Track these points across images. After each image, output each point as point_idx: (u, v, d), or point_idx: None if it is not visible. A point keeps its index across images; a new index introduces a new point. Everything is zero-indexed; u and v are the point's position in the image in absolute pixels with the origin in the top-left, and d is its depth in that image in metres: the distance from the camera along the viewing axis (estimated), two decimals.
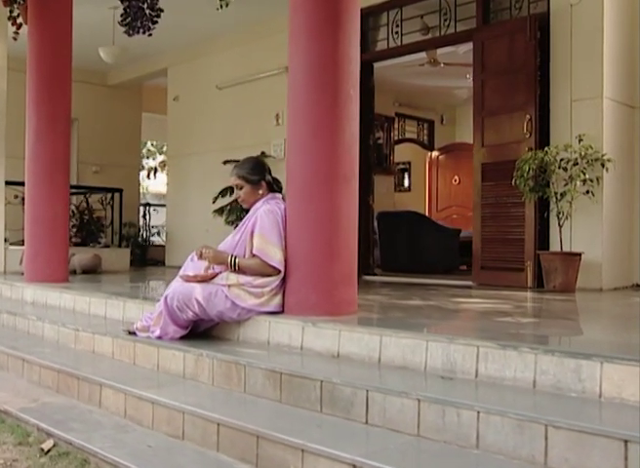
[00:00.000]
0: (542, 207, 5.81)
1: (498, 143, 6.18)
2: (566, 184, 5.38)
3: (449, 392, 2.54)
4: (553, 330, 3.27)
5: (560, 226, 5.40)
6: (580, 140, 5.40)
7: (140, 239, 9.99)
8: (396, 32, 7.30)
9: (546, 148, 5.38)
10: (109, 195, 8.84)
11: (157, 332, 3.67)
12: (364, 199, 7.19)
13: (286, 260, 3.54)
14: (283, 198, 3.80)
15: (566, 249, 5.48)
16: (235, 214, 8.09)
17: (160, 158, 20.24)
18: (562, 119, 5.78)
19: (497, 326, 3.29)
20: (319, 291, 3.47)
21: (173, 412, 2.94)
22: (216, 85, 9.09)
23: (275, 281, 3.54)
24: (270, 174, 3.81)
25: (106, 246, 8.51)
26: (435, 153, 13.17)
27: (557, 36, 5.82)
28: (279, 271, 3.53)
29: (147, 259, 9.93)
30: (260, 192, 3.74)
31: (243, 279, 3.55)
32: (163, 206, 11.59)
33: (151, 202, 14.24)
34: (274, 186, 3.81)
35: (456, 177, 13.27)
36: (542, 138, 5.83)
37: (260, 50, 8.53)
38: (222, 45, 9.05)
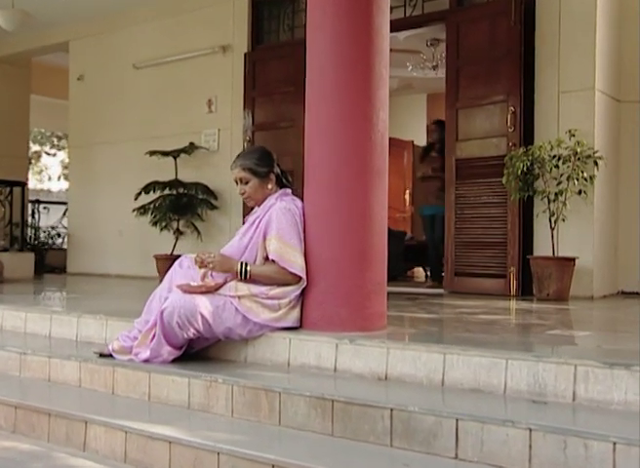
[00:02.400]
0: (526, 207, 5.86)
1: (475, 138, 6.18)
2: (559, 183, 5.43)
3: (547, 418, 2.41)
4: (628, 344, 3.21)
5: (552, 229, 5.44)
6: (573, 136, 5.47)
7: (36, 241, 9.31)
8: None
9: (540, 144, 5.41)
10: (6, 190, 8.16)
11: (145, 354, 3.34)
12: None
13: (306, 268, 3.31)
14: (293, 194, 3.57)
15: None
16: (162, 211, 7.70)
17: (35, 148, 19.19)
18: (548, 112, 5.86)
19: (557, 340, 3.21)
20: (350, 303, 3.26)
21: (201, 453, 2.65)
22: (132, 64, 8.62)
23: (295, 291, 3.31)
24: (279, 165, 3.56)
25: (4, 249, 7.85)
26: None
27: (544, 21, 5.89)
28: (299, 280, 3.30)
29: (44, 265, 9.26)
30: (270, 187, 3.49)
31: (255, 289, 3.29)
32: (58, 203, 10.92)
33: (31, 198, 13.40)
34: (283, 180, 3.56)
35: None
36: (527, 133, 5.88)
37: (189, 24, 8.17)
38: (141, 16, 8.59)
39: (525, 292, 5.80)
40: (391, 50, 9.70)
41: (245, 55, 7.63)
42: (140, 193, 7.78)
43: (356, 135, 3.27)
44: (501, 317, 4.14)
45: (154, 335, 3.34)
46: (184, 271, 3.49)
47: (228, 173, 7.60)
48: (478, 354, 2.77)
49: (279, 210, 3.35)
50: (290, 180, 3.61)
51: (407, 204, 13.09)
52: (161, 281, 7.35)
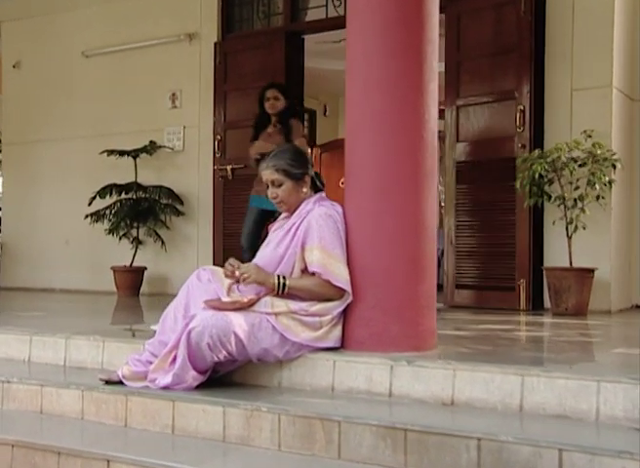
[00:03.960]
0: (535, 214, 5.91)
1: (479, 139, 6.20)
2: (576, 188, 5.48)
3: None
4: None
5: (569, 238, 5.49)
6: (589, 136, 5.53)
7: None
8: None
9: (559, 145, 5.45)
10: None
11: (165, 380, 3.19)
12: None
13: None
14: None
15: (565, 264, 5.55)
16: (120, 218, 7.48)
17: None
18: (560, 111, 5.91)
19: (634, 360, 3.19)
20: (402, 319, 3.20)
21: None
22: (81, 51, 8.36)
23: (338, 307, 3.23)
24: (313, 166, 3.48)
25: None
26: (317, 150, 13.10)
27: (556, 11, 5.94)
28: (342, 294, 3.22)
29: None
30: (304, 190, 3.40)
31: (294, 305, 3.19)
32: None
33: None
34: (317, 182, 3.48)
35: (343, 180, 13.27)
36: (537, 133, 5.93)
37: (150, 9, 7.97)
38: None
39: (535, 305, 5.84)
40: None
41: (215, 44, 7.49)
42: (94, 197, 7.54)
43: (407, 132, 3.22)
44: (542, 334, 4.15)
45: (174, 358, 3.20)
46: (205, 285, 3.36)
47: (196, 175, 7.65)
48: (563, 376, 2.73)
49: (319, 216, 3.26)
50: (323, 183, 3.53)
51: None
52: (120, 296, 7.27)
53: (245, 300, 3.17)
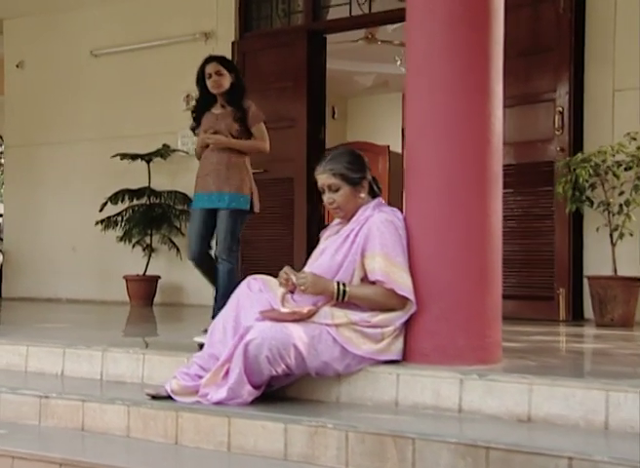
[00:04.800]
0: (574, 220, 5.89)
1: (514, 142, 6.14)
2: (621, 193, 5.46)
3: None
4: None
5: (613, 245, 5.46)
6: (634, 139, 5.51)
7: None
8: None
9: (604, 148, 5.43)
10: None
11: (219, 395, 3.15)
12: None
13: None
14: None
15: (607, 272, 5.53)
16: (132, 223, 7.45)
17: None
18: (601, 113, 5.90)
19: None
20: (469, 331, 3.18)
21: None
22: (90, 50, 8.35)
23: (401, 318, 3.20)
24: (370, 170, 3.45)
25: None
26: None
27: (596, 8, 5.92)
28: (404, 304, 3.19)
29: None
30: (362, 196, 3.38)
31: (355, 316, 3.16)
32: None
33: None
34: (374, 187, 3.46)
35: None
36: (577, 136, 5.91)
37: (163, 6, 7.96)
38: None
39: (575, 316, 5.81)
40: (386, 42, 9.67)
41: (233, 43, 7.47)
42: (106, 203, 7.51)
43: (473, 135, 3.22)
44: (602, 346, 4.12)
45: (227, 372, 3.17)
46: (256, 295, 3.32)
47: None
48: None
49: (380, 222, 3.23)
50: (380, 188, 3.50)
51: None
52: (133, 306, 7.23)
53: (304, 311, 3.13)
